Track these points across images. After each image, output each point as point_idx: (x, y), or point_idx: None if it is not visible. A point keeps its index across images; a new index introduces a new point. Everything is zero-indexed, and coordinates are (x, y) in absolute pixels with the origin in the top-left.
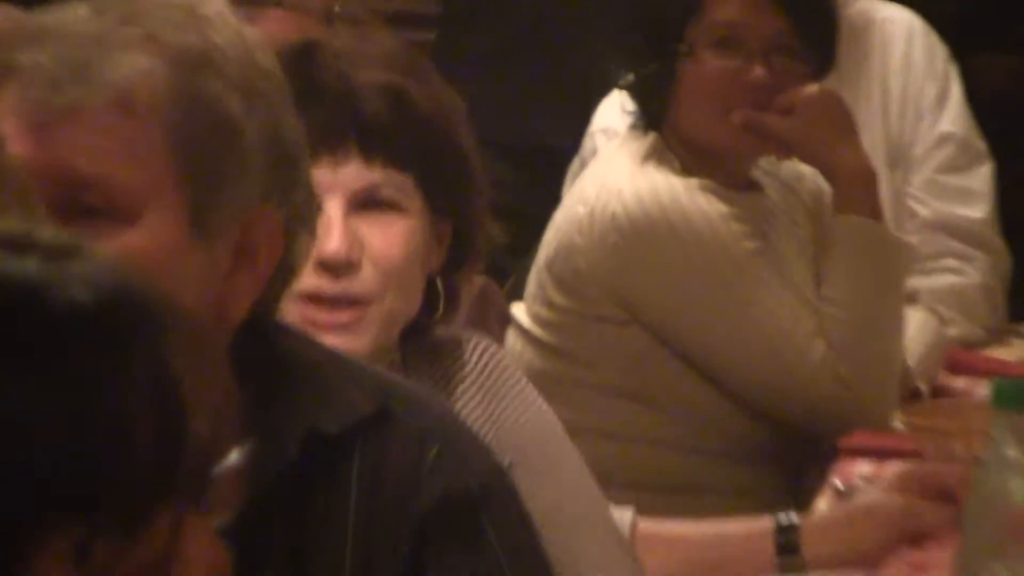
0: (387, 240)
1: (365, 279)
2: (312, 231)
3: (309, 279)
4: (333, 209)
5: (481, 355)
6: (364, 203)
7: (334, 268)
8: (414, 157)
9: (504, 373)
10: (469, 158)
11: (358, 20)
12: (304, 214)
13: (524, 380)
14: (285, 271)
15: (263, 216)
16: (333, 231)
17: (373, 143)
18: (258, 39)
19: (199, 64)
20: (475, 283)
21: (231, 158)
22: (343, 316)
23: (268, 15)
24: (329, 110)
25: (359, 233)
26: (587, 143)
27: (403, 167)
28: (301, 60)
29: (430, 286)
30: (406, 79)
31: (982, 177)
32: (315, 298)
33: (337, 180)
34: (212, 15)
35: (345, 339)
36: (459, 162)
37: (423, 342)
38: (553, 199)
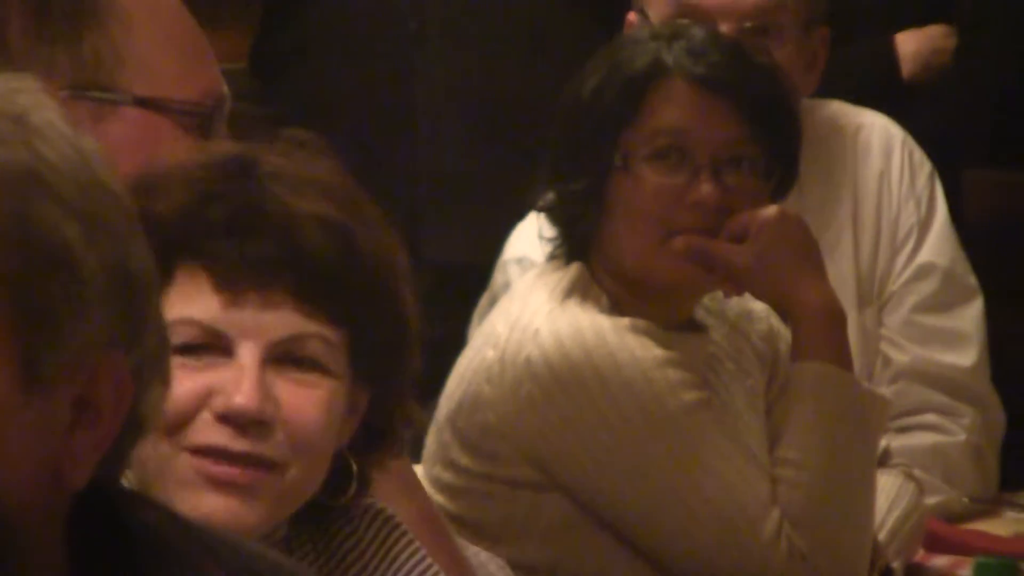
0: (305, 403)
1: (277, 443)
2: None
3: (210, 433)
4: (248, 357)
5: (374, 524)
6: (285, 356)
7: (241, 424)
8: (351, 311)
9: (400, 543)
10: (409, 322)
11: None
12: (156, 360)
13: (423, 551)
14: (134, 427)
15: (108, 363)
16: (245, 382)
17: (310, 287)
18: (99, 153)
19: (27, 184)
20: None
21: (69, 296)
22: (243, 475)
23: (121, 116)
24: (264, 241)
25: (274, 389)
26: (498, 275)
27: (337, 321)
28: (235, 177)
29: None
30: (350, 217)
31: (971, 317)
32: (213, 452)
33: (260, 324)
34: (42, 125)
35: (237, 502)
36: (397, 325)
37: (311, 514)
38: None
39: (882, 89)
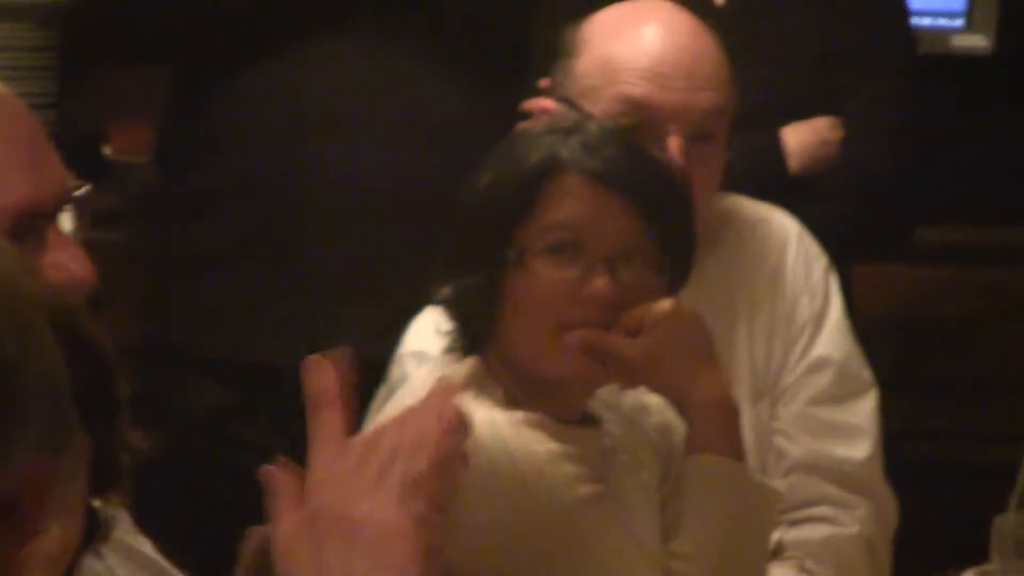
0: None
1: None
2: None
3: None
4: None
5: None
6: None
7: None
8: None
9: None
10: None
11: None
12: (77, 463)
13: None
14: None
15: (37, 477)
16: None
17: None
18: (26, 263)
19: None
20: None
21: (8, 407)
22: None
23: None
24: None
25: None
26: (395, 369)
27: None
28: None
29: None
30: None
31: (865, 410)
32: None
33: None
34: None
35: None
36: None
37: None
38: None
39: (770, 183)
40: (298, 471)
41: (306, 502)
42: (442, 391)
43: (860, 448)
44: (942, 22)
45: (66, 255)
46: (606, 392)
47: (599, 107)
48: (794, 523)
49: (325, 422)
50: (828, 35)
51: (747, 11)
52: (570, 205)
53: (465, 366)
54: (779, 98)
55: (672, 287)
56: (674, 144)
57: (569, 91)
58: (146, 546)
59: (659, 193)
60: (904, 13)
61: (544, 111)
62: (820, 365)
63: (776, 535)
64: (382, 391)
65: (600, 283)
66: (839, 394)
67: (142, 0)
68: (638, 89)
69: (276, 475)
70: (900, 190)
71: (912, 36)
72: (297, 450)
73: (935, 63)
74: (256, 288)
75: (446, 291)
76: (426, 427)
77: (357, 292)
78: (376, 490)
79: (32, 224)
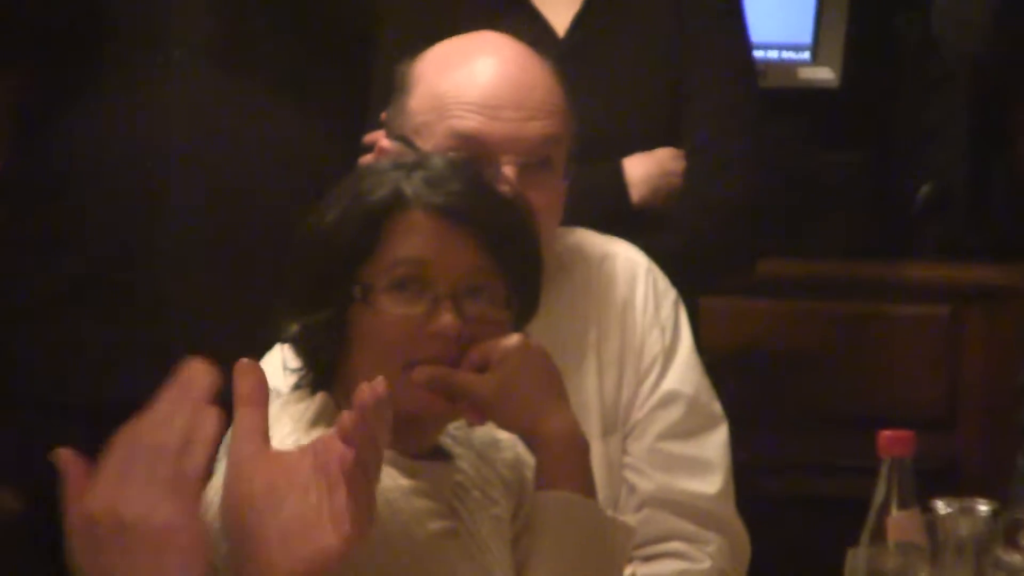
0: None
1: None
2: None
3: None
4: None
5: None
6: None
7: None
8: None
9: None
10: None
11: None
12: None
13: None
14: None
15: None
16: None
17: None
18: None
19: None
20: None
21: None
22: None
23: None
24: None
25: None
26: None
27: None
28: None
29: None
30: None
31: (715, 445)
32: None
33: None
34: None
35: None
36: None
37: None
38: None
39: (614, 215)
40: (87, 462)
41: (86, 499)
42: (194, 382)
43: (711, 483)
44: (789, 55)
45: None
46: (456, 428)
47: (431, 143)
48: (647, 559)
49: (247, 419)
50: (672, 66)
51: (589, 42)
52: (414, 241)
53: (314, 403)
54: (623, 129)
55: (519, 322)
56: (508, 174)
57: (403, 128)
58: None
59: (504, 227)
60: (747, 45)
61: (380, 150)
62: (670, 399)
63: (628, 571)
64: (229, 432)
65: (446, 319)
66: (689, 428)
67: None
68: (468, 123)
69: (68, 460)
70: (744, 221)
71: (754, 67)
72: None
73: (782, 96)
74: (106, 326)
75: (293, 328)
76: (191, 423)
77: (206, 327)
78: (147, 489)
79: None
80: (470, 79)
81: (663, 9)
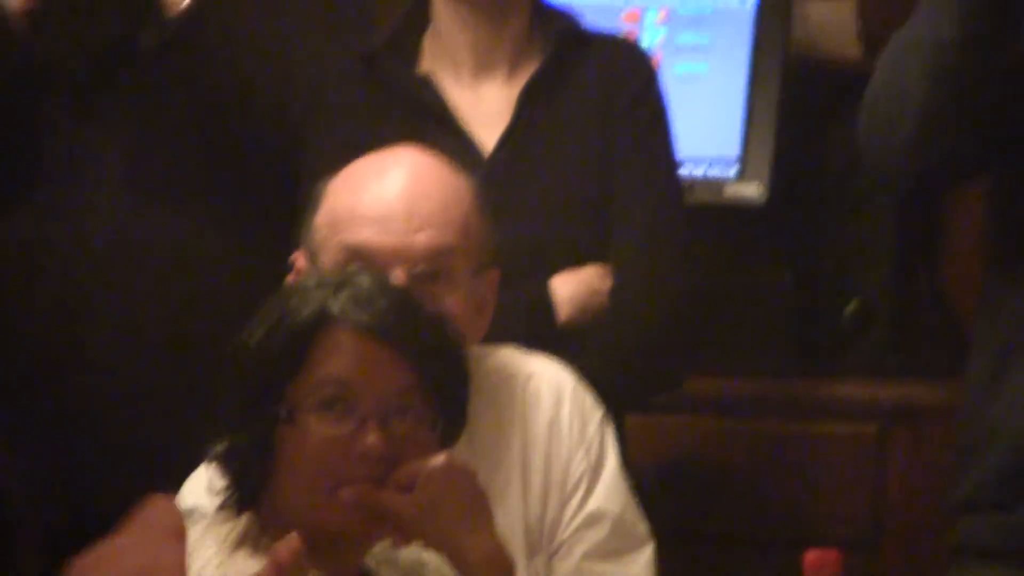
0: None
1: None
2: None
3: None
4: None
5: None
6: None
7: None
8: None
9: None
10: None
11: None
12: None
13: None
14: None
15: None
16: None
17: None
18: None
19: None
20: None
21: None
22: None
23: None
24: None
25: None
26: None
27: None
28: None
29: None
30: None
31: (641, 564)
32: None
33: None
34: None
35: None
36: None
37: None
38: None
39: (541, 334)
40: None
41: None
42: (156, 520)
43: None
44: (715, 171)
45: None
46: (382, 548)
47: (328, 258)
48: None
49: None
50: (599, 182)
51: (516, 159)
52: (340, 360)
53: (239, 523)
54: (550, 246)
55: (445, 441)
56: (398, 281)
57: (310, 246)
58: None
59: (431, 346)
60: (674, 162)
61: (296, 270)
62: (596, 519)
63: None
64: None
65: (372, 439)
66: (615, 548)
67: None
68: (357, 236)
69: None
70: (670, 340)
71: (680, 185)
72: None
73: (708, 212)
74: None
75: (219, 447)
76: (151, 561)
77: (134, 445)
78: None
79: None
80: (364, 193)
81: (591, 126)
